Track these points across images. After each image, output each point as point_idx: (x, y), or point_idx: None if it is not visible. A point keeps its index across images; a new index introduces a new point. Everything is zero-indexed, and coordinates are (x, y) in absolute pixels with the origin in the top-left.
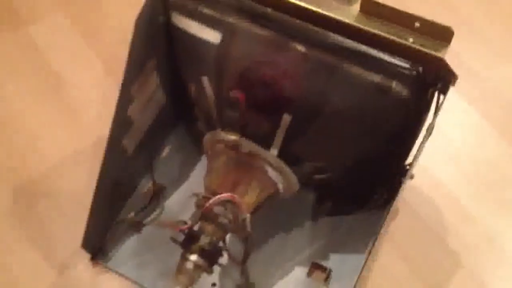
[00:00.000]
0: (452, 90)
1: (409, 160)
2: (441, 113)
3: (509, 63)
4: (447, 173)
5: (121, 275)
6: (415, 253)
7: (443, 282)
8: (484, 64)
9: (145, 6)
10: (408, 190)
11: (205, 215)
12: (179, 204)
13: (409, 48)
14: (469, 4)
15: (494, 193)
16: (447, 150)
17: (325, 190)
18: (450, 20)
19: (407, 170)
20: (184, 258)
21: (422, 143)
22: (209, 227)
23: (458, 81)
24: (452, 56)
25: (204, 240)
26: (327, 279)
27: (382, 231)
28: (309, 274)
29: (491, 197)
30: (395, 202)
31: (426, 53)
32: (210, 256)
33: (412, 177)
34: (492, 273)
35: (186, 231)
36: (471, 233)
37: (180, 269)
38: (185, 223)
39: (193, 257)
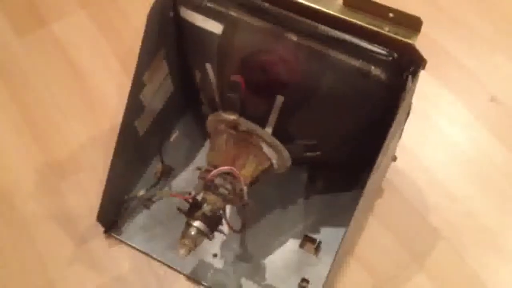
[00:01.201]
0: (437, 81)
1: (393, 143)
2: (427, 102)
3: (494, 55)
4: (430, 156)
5: (132, 247)
6: (400, 228)
7: (425, 252)
8: (469, 56)
9: (156, 1)
10: (393, 171)
11: (207, 185)
12: (185, 183)
13: (385, 36)
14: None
15: (473, 174)
16: (431, 136)
17: (317, 170)
18: (438, 15)
19: (382, 148)
20: (188, 225)
21: (398, 121)
22: (211, 197)
23: (443, 72)
24: (438, 49)
25: (206, 208)
26: (316, 250)
27: (369, 208)
28: (301, 245)
29: (469, 176)
30: (377, 180)
31: (399, 40)
32: (212, 223)
33: (395, 159)
34: (469, 246)
35: (190, 201)
36: (450, 209)
37: (184, 234)
38: (190, 193)
39: (196, 223)
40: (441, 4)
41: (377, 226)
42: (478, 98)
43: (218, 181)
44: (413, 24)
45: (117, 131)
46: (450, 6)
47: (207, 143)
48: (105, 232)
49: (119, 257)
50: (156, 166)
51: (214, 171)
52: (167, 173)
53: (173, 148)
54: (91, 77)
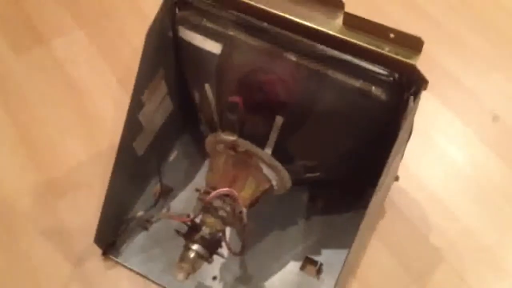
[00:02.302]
0: (437, 100)
1: (395, 163)
2: (426, 120)
3: (492, 73)
4: (430, 176)
5: (130, 269)
6: (401, 248)
7: (426, 273)
8: (468, 74)
9: (155, 20)
10: (395, 191)
11: (205, 208)
12: (184, 203)
13: (385, 56)
14: (454, 19)
15: (474, 193)
16: (431, 155)
17: (317, 189)
18: (437, 34)
19: (384, 168)
20: (186, 248)
21: (401, 141)
22: (210, 219)
23: (443, 91)
24: (437, 67)
25: (205, 231)
26: (318, 272)
27: (370, 228)
28: (302, 267)
29: (471, 196)
30: (379, 200)
31: (400, 61)
32: (210, 246)
33: (397, 179)
34: (471, 266)
35: (189, 223)
36: (452, 230)
37: (182, 257)
38: (188, 216)
39: (195, 247)
40: (438, 22)
41: (379, 247)
42: (477, 116)
43: (217, 203)
44: (414, 44)
45: (115, 150)
46: (447, 23)
47: (207, 163)
48: (103, 254)
49: (117, 279)
50: (155, 187)
51: (213, 194)
52: (166, 194)
53: (172, 168)
54: (89, 95)
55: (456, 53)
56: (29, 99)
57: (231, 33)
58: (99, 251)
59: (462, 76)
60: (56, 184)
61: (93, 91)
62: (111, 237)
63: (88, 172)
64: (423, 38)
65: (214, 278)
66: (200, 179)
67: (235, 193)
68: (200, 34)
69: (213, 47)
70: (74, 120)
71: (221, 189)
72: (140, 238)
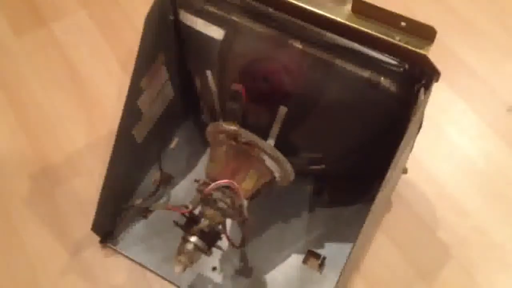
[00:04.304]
0: (449, 89)
1: (404, 155)
2: (438, 110)
3: (508, 62)
4: (440, 168)
5: (128, 258)
6: (408, 243)
7: (434, 270)
8: (482, 63)
9: (155, 4)
10: (403, 184)
11: (205, 199)
12: (185, 192)
13: (395, 46)
14: (469, 5)
15: (486, 188)
16: (442, 146)
17: (322, 182)
18: (451, 21)
19: (392, 161)
20: (184, 240)
21: (409, 135)
22: (209, 211)
23: (455, 80)
24: (450, 55)
25: (203, 223)
26: (321, 266)
27: (376, 222)
28: (305, 261)
29: (483, 191)
30: (386, 194)
31: (411, 51)
32: (209, 238)
33: (405, 171)
34: (480, 264)
35: (188, 214)
36: (462, 226)
37: (180, 250)
38: (187, 207)
39: (193, 239)
40: (452, 8)
41: (385, 241)
42: (490, 107)
43: (216, 195)
44: (426, 33)
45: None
46: (461, 11)
47: (209, 150)
48: (101, 242)
49: (115, 268)
50: (155, 174)
51: (212, 185)
52: (167, 181)
53: (173, 155)
54: (90, 79)
55: (469, 40)
56: (29, 83)
57: (234, 18)
58: (97, 239)
59: (476, 64)
60: (54, 170)
61: (95, 75)
62: (109, 225)
63: (87, 158)
64: (436, 24)
65: (214, 268)
66: (201, 167)
67: (236, 184)
68: (202, 18)
69: (216, 32)
70: (74, 105)
71: (220, 181)
72: (139, 227)
